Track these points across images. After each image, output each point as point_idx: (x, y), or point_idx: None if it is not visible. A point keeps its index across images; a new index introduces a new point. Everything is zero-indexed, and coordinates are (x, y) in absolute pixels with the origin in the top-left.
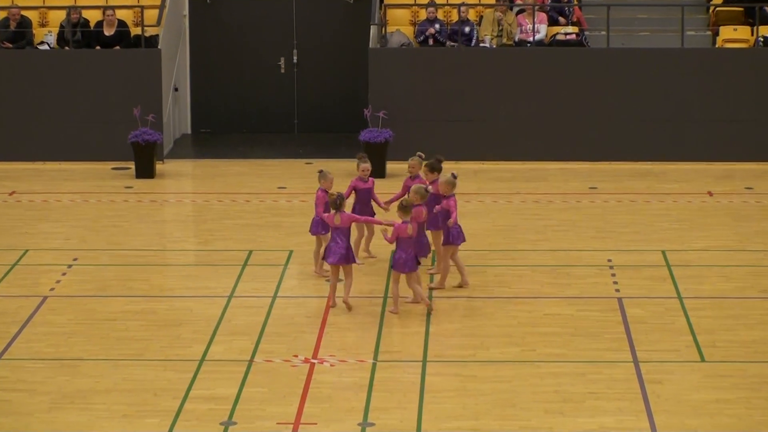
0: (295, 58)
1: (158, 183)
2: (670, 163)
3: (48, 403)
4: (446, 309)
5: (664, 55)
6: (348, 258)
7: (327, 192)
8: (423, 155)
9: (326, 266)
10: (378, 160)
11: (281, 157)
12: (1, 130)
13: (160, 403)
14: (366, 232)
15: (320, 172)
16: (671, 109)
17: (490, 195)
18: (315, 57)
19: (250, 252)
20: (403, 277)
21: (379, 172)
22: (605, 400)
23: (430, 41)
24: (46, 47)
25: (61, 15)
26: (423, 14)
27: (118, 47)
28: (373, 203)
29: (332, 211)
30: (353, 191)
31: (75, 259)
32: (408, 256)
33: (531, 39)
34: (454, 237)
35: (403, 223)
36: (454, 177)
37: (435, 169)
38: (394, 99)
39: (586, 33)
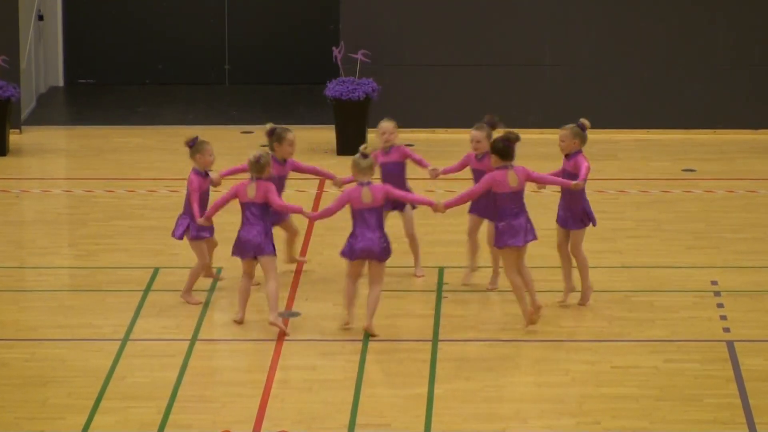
0: None
1: (12, 163)
2: None
3: None
4: (460, 357)
5: None
6: (261, 247)
7: (204, 175)
8: (497, 118)
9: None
10: (354, 125)
11: (205, 123)
12: None
13: None
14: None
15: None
16: None
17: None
18: None
19: (156, 270)
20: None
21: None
22: None
23: None
24: None
25: None
26: None
27: None
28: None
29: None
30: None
31: None
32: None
33: None
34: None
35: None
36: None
37: (580, 138)
38: (378, 33)
39: None
